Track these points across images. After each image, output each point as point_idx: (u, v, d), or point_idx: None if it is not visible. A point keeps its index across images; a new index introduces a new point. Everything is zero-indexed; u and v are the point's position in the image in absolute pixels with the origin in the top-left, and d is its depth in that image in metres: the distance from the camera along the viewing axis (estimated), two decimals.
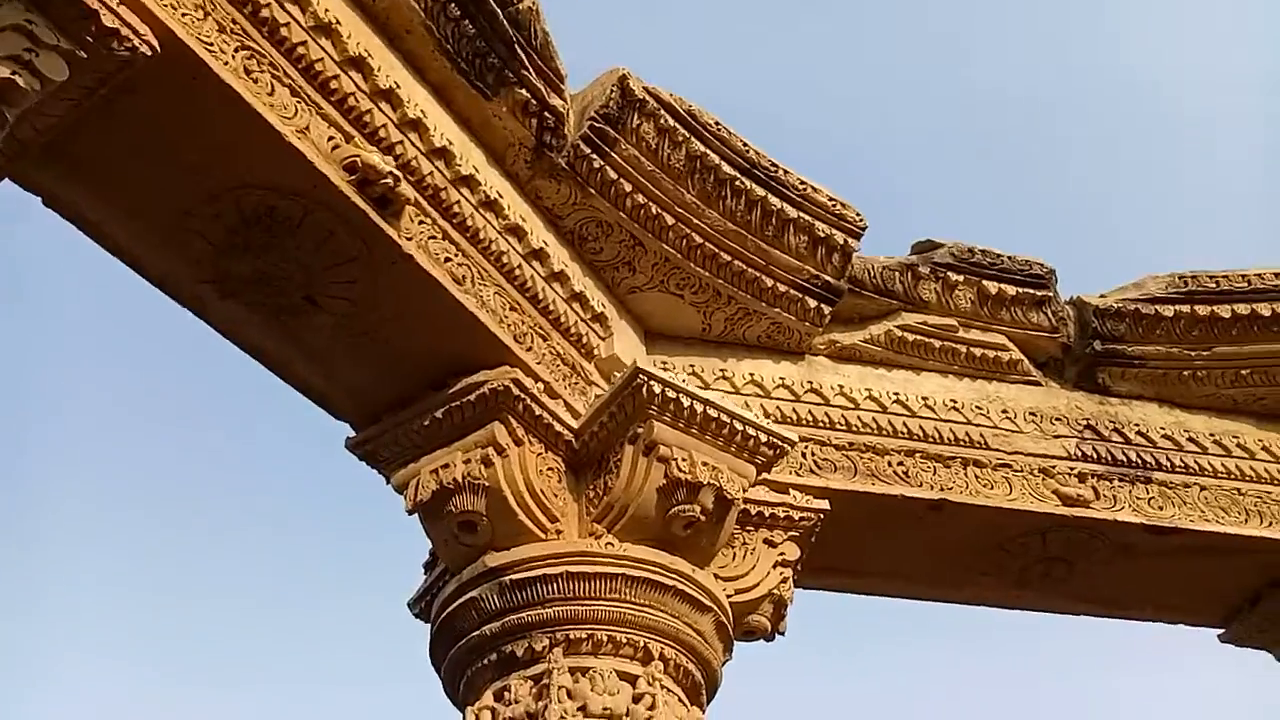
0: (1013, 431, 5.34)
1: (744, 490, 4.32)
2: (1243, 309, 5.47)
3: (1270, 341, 5.50)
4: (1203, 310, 5.48)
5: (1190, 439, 5.51)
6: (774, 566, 4.73)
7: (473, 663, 4.14)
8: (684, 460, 4.14)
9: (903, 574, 5.47)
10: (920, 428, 5.20)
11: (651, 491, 4.15)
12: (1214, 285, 5.53)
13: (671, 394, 4.15)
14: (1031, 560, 5.33)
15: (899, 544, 5.26)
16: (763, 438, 4.39)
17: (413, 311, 4.00)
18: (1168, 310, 5.49)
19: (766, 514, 4.73)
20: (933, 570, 5.44)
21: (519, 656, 4.00)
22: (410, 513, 4.22)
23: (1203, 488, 5.38)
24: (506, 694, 3.97)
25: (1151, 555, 5.32)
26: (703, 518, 4.19)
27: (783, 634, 4.91)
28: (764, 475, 4.70)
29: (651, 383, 4.13)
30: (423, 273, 3.84)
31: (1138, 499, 5.27)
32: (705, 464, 4.18)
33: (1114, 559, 5.33)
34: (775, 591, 4.70)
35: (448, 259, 3.97)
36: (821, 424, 5.09)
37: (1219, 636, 5.87)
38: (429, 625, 4.52)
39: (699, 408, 4.21)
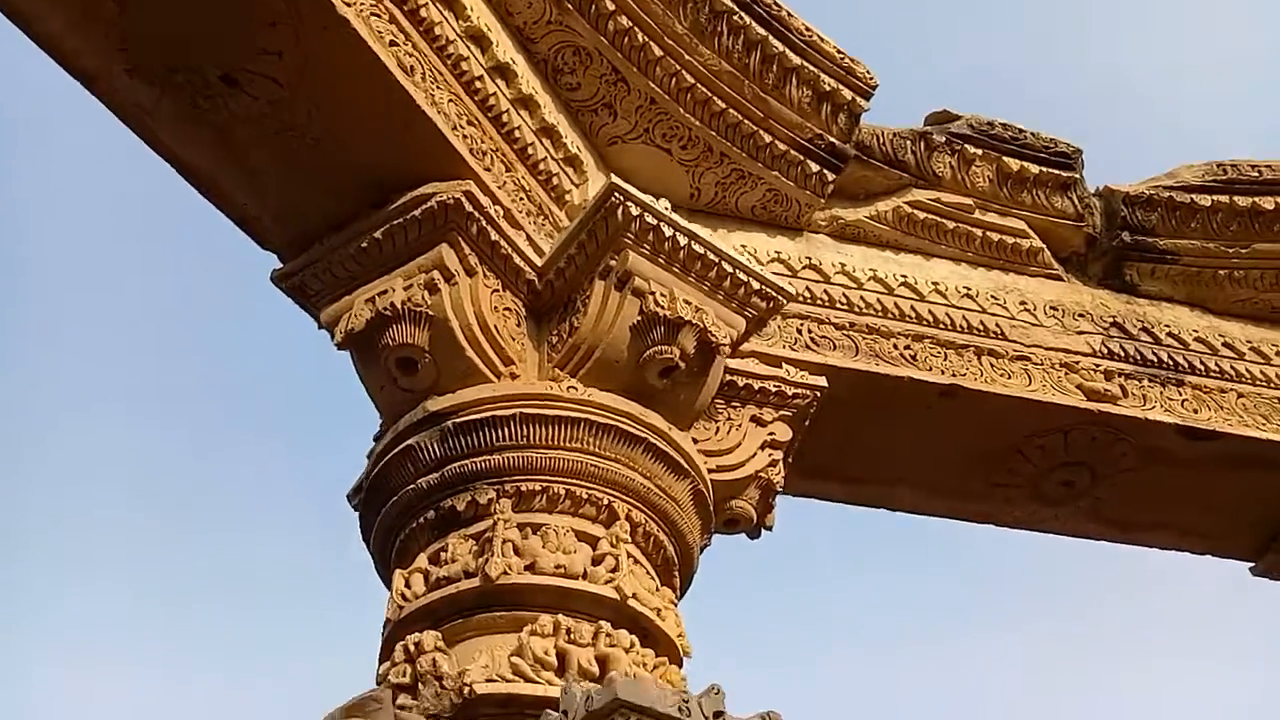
0: (1032, 324, 4.67)
1: (731, 340, 3.64)
2: None
3: None
4: (1243, 202, 4.84)
5: (1226, 344, 4.84)
6: (762, 447, 4.03)
7: (406, 524, 3.42)
8: (663, 295, 3.46)
9: (905, 480, 4.75)
10: (930, 313, 4.52)
11: (624, 329, 3.46)
12: (1256, 175, 4.89)
13: (651, 220, 3.49)
14: (1050, 467, 4.63)
15: (902, 442, 4.56)
16: (755, 285, 3.72)
17: (350, 101, 3.33)
18: (1204, 200, 4.84)
19: (756, 388, 4.04)
20: (939, 476, 4.74)
21: (459, 512, 3.29)
22: (340, 347, 3.52)
23: (1240, 394, 4.71)
24: (443, 554, 3.25)
25: (1183, 465, 4.63)
26: (682, 364, 3.50)
27: (769, 529, 4.22)
28: (754, 340, 4.03)
29: (629, 204, 3.46)
30: (363, 47, 3.18)
31: (1170, 400, 4.59)
32: (688, 303, 3.50)
33: (1142, 468, 4.63)
34: (763, 475, 4.00)
35: (394, 43, 3.30)
36: (820, 301, 4.41)
37: (1250, 569, 5.17)
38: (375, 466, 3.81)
39: (683, 240, 3.54)
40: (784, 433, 4.09)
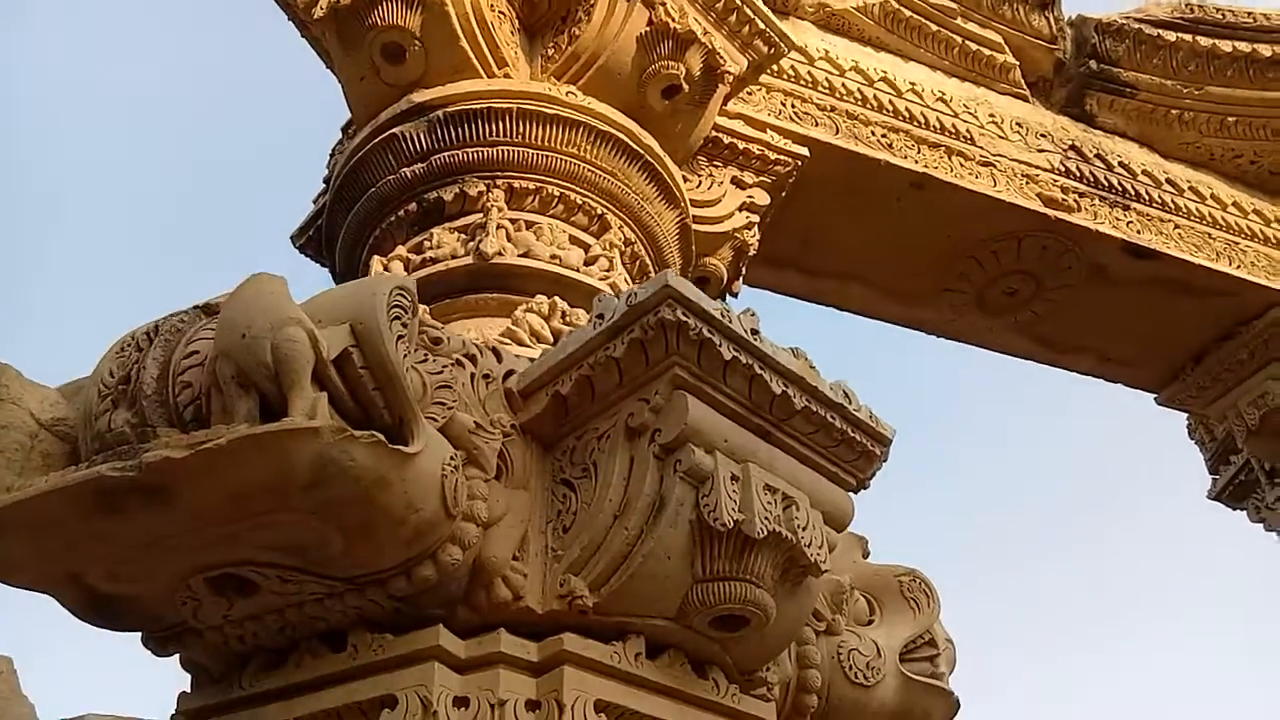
0: (998, 137, 4.62)
1: (739, 71, 3.41)
2: (1244, 47, 4.87)
3: (1263, 87, 4.94)
4: (1204, 42, 4.86)
5: (1169, 180, 4.92)
6: (740, 208, 3.86)
7: (382, 218, 3.12)
8: (674, 7, 3.18)
9: (863, 277, 4.69)
10: (907, 109, 4.41)
11: (629, 39, 3.19)
12: (1220, 17, 4.91)
13: None
14: (999, 274, 4.64)
15: (866, 236, 4.47)
16: (760, 25, 3.48)
17: None
18: (1169, 35, 4.83)
19: (740, 148, 3.86)
20: (893, 277, 4.69)
21: (446, 204, 3.02)
22: (319, 24, 3.12)
23: (1177, 225, 4.80)
24: (426, 244, 2.98)
25: (1121, 285, 4.72)
26: (685, 86, 3.26)
27: (735, 295, 4.08)
28: (740, 104, 3.83)
29: None
30: None
31: (1117, 220, 4.64)
32: (697, 21, 3.24)
33: (1083, 285, 4.70)
34: (738, 235, 3.84)
35: None
36: (804, 82, 4.23)
37: (1155, 399, 5.39)
38: (322, 209, 3.48)
39: None
40: (762, 198, 3.93)
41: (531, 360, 2.29)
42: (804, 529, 2.10)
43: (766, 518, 2.02)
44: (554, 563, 2.07)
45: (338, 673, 1.95)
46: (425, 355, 2.01)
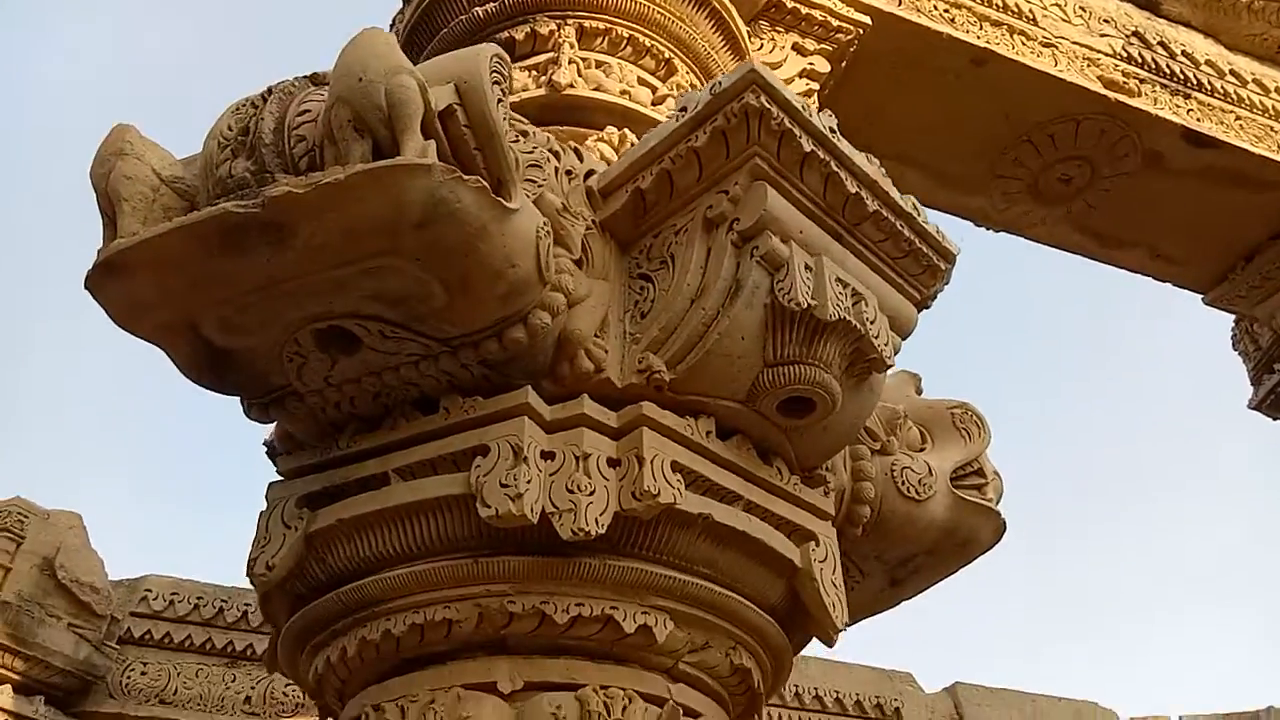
0: (1061, 19, 4.58)
1: None
2: None
3: None
4: None
5: (1232, 71, 4.85)
6: (800, 75, 3.90)
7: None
8: None
9: (917, 160, 4.70)
10: None
11: None
12: None
13: None
14: (1055, 160, 4.65)
15: (922, 114, 4.48)
16: None
17: None
18: None
19: (802, 13, 3.88)
20: (949, 159, 4.71)
21: (517, 43, 3.09)
22: None
23: (1238, 116, 4.76)
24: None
25: (1178, 175, 4.71)
26: None
27: None
28: None
29: None
30: None
31: (1177, 107, 4.61)
32: None
33: (1139, 173, 4.69)
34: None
35: None
36: None
37: (1203, 299, 5.39)
38: None
39: None
40: (822, 66, 3.96)
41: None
42: (871, 322, 2.20)
43: (838, 304, 2.12)
44: (632, 344, 2.19)
45: (431, 430, 2.09)
46: (516, 138, 2.11)
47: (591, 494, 1.97)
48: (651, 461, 2.01)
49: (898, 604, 3.11)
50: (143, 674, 5.44)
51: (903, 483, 2.67)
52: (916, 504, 2.67)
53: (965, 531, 2.75)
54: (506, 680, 2.01)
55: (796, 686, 6.70)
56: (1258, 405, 6.27)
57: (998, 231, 5.20)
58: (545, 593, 2.01)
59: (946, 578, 2.96)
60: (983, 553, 2.86)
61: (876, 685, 6.89)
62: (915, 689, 7.08)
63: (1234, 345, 6.55)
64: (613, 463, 2.05)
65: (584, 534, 1.92)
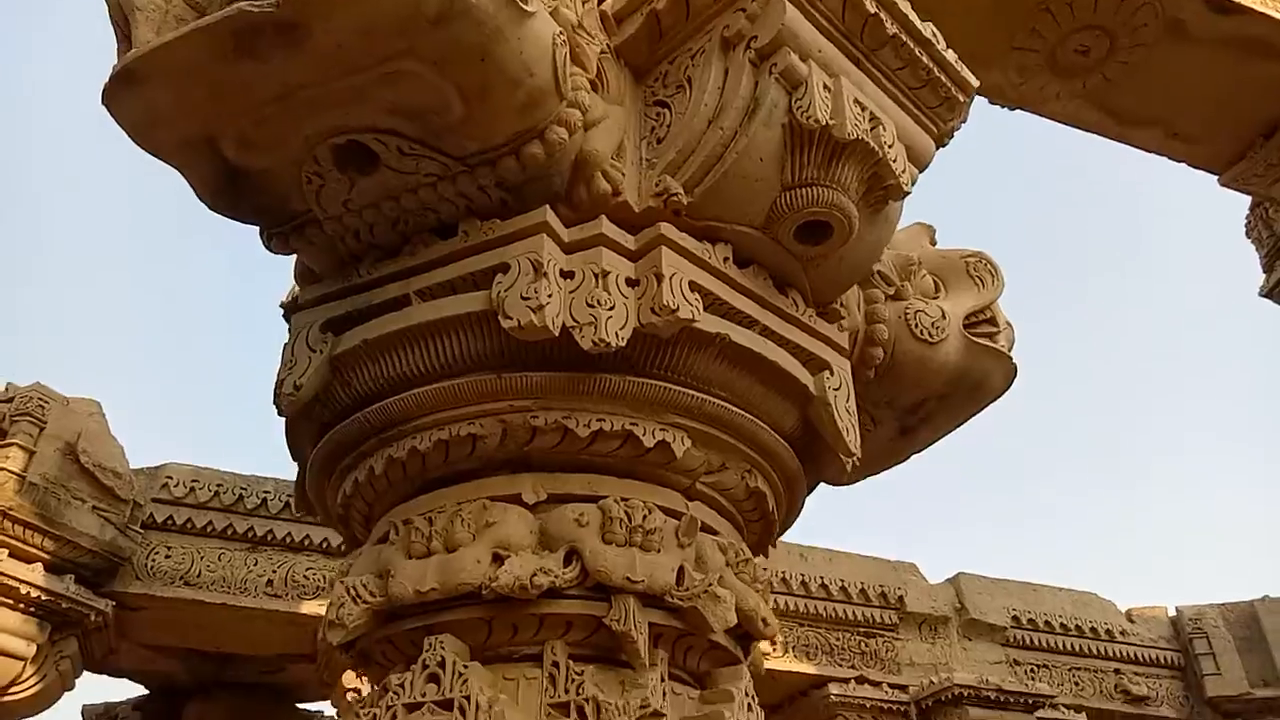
0: None
1: None
2: None
3: None
4: None
5: None
6: None
7: None
8: None
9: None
10: None
11: None
12: None
13: None
14: (1073, 29, 4.54)
15: None
16: None
17: None
18: None
19: None
20: (965, 32, 4.57)
21: None
22: None
23: None
24: None
25: (1198, 44, 4.59)
26: None
27: None
28: None
29: None
30: None
31: None
32: None
33: (1158, 44, 4.58)
34: None
35: None
36: None
37: (1220, 180, 5.33)
38: None
39: None
40: None
41: None
42: (889, 146, 2.18)
43: (856, 124, 2.10)
44: (649, 170, 2.18)
45: (451, 253, 2.10)
46: None
47: (611, 309, 1.99)
48: (670, 279, 2.03)
49: (908, 456, 3.17)
50: (167, 557, 5.59)
51: (916, 326, 2.69)
52: (929, 346, 2.70)
53: (977, 375, 2.78)
54: (530, 492, 2.06)
55: (803, 575, 6.86)
56: (1269, 293, 6.26)
57: (1013, 109, 5.12)
58: (567, 408, 2.05)
59: (957, 426, 3.00)
60: (994, 399, 2.89)
61: (881, 575, 7.04)
62: (919, 579, 7.24)
63: (1247, 234, 6.52)
64: (631, 282, 2.07)
65: (604, 345, 1.95)
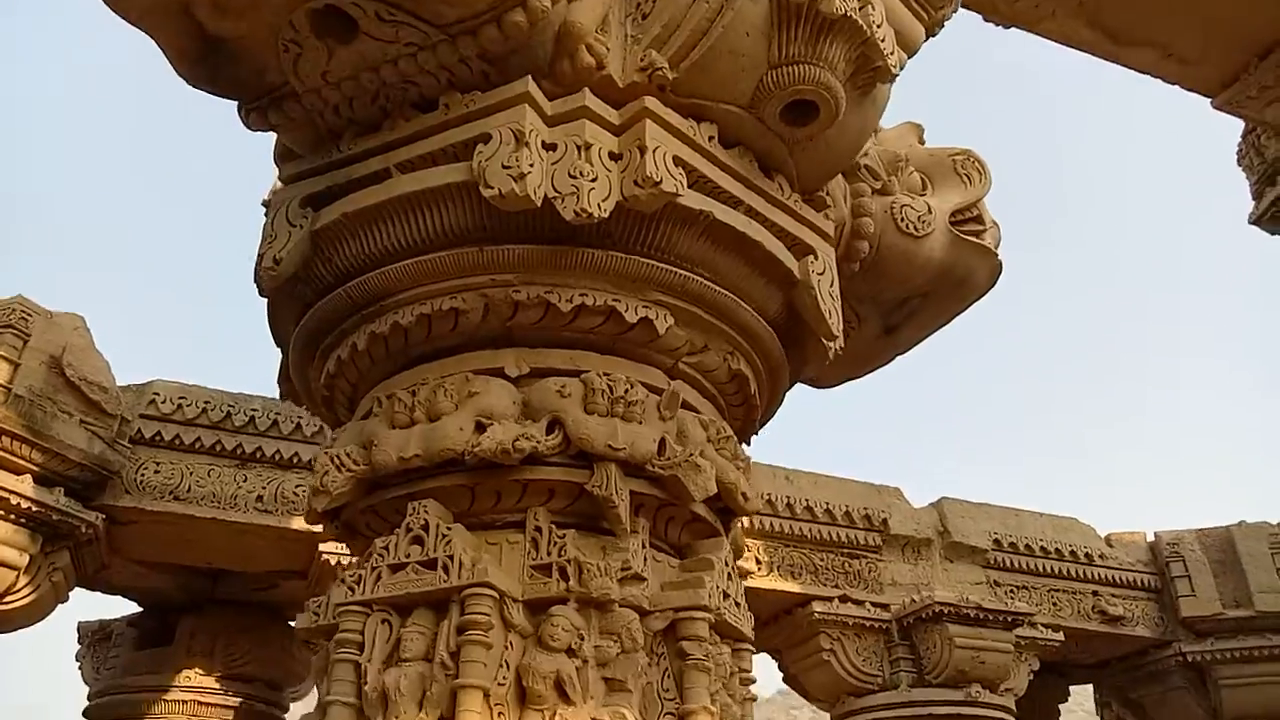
0: None
1: None
2: None
3: None
4: None
5: None
6: None
7: None
8: None
9: None
10: None
11: None
12: None
13: None
14: None
15: None
16: None
17: None
18: None
19: None
20: None
21: None
22: None
23: None
24: None
25: None
26: None
27: None
28: None
29: None
30: None
31: None
32: None
33: None
34: None
35: None
36: None
37: (1213, 103, 5.29)
38: None
39: None
40: None
41: None
42: (878, 26, 2.16)
43: (844, 0, 2.07)
44: (633, 45, 2.15)
45: (431, 126, 2.08)
46: None
47: (594, 180, 1.98)
48: (654, 152, 2.01)
49: (891, 358, 3.19)
50: (156, 472, 5.62)
51: (902, 220, 2.69)
52: (914, 240, 2.70)
53: (962, 271, 2.79)
54: (513, 366, 2.08)
55: (788, 498, 6.95)
56: (1258, 220, 6.26)
57: (1007, 26, 5.05)
58: (550, 283, 2.05)
59: (942, 326, 3.02)
60: (978, 297, 2.91)
61: (865, 498, 7.14)
62: (903, 503, 7.35)
63: (1239, 161, 6.49)
64: (614, 156, 2.05)
65: (586, 215, 1.94)
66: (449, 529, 1.89)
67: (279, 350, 2.52)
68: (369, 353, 2.17)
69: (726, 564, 2.09)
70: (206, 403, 5.73)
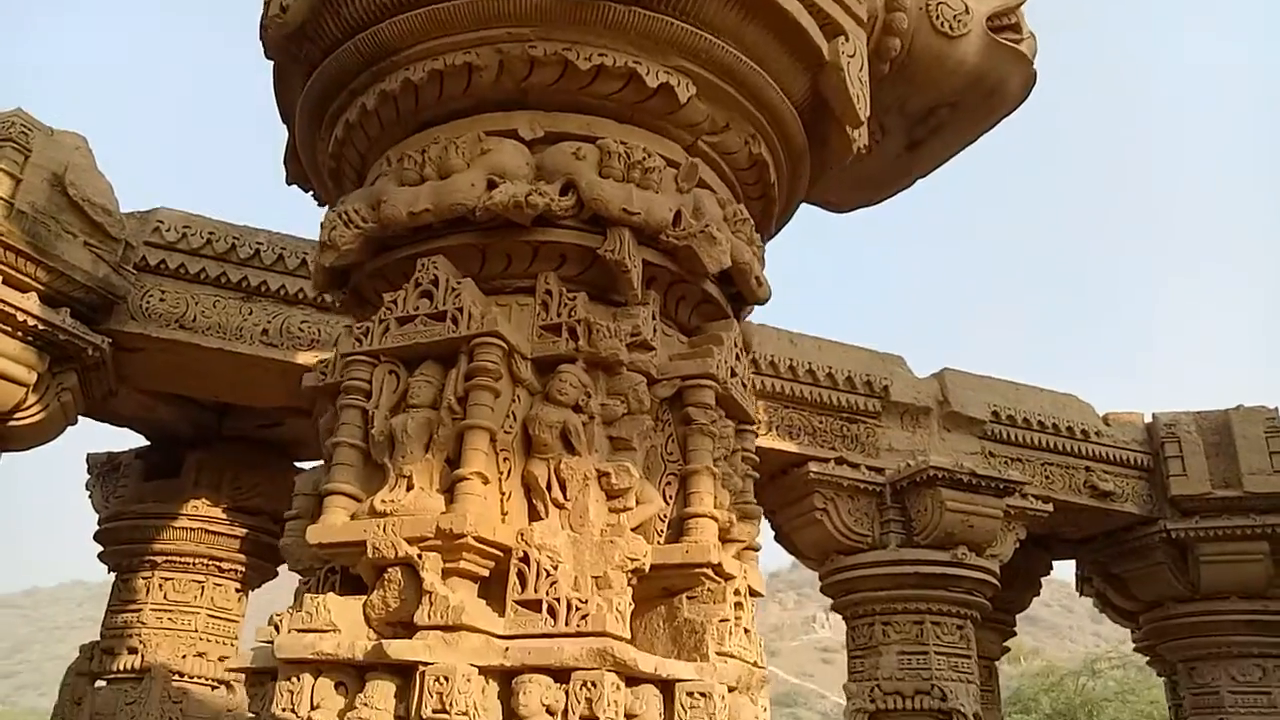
0: None
1: None
2: None
3: None
4: None
5: None
6: None
7: None
8: None
9: None
10: None
11: None
12: None
13: None
14: None
15: None
16: None
17: None
18: None
19: None
20: None
21: None
22: None
23: None
24: None
25: None
26: None
27: None
28: None
29: None
30: None
31: None
32: None
33: None
34: None
35: None
36: None
37: None
38: None
39: None
40: None
41: None
42: None
43: None
44: None
45: None
46: None
47: None
48: None
49: (913, 180, 3.10)
50: (161, 300, 5.60)
51: (937, 17, 2.56)
52: (949, 41, 2.58)
53: (994, 78, 2.68)
54: (527, 128, 2.01)
55: (792, 360, 6.95)
56: None
57: None
58: (569, 40, 1.96)
59: (967, 144, 2.92)
60: (1008, 111, 2.80)
61: (868, 364, 7.15)
62: (905, 371, 7.36)
63: None
64: None
65: None
66: (458, 283, 1.86)
67: (284, 127, 2.44)
68: (378, 115, 2.09)
69: (735, 345, 2.07)
70: (211, 233, 5.67)
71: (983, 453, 7.11)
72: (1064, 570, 8.94)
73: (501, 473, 1.73)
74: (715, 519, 1.81)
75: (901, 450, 6.91)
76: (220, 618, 6.63)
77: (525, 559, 1.66)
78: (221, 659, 6.46)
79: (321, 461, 1.94)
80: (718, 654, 1.70)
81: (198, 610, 6.52)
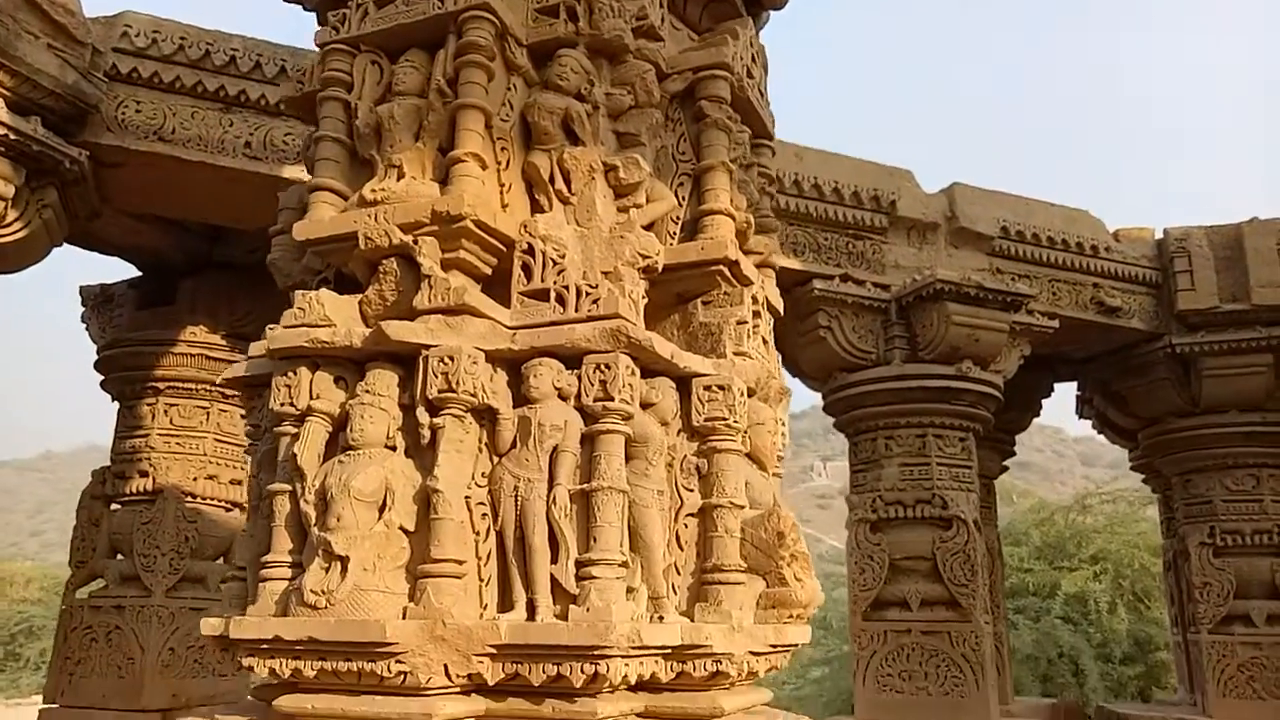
0: None
1: None
2: None
3: None
4: None
5: None
6: None
7: None
8: None
9: None
10: None
11: None
12: None
13: None
14: None
15: None
16: None
17: None
18: None
19: None
20: None
21: None
22: None
23: None
24: None
25: None
26: None
27: None
28: None
29: None
30: None
31: None
32: None
33: None
34: None
35: None
36: None
37: None
38: None
39: None
40: None
41: None
42: None
43: None
44: None
45: None
46: None
47: None
48: None
49: None
50: (137, 111, 5.34)
51: None
52: None
53: None
54: None
55: (797, 175, 6.72)
56: None
57: None
58: None
59: None
60: None
61: (875, 179, 6.92)
62: (913, 185, 7.15)
63: None
64: None
65: None
66: None
67: None
68: None
69: (751, 45, 1.89)
70: (183, 38, 5.34)
71: (990, 269, 6.98)
72: (1055, 414, 9.03)
73: (500, 162, 1.59)
74: (732, 216, 1.68)
75: (907, 267, 6.78)
76: (228, 442, 6.66)
77: (530, 250, 1.54)
78: (234, 482, 6.54)
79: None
80: (735, 354, 1.61)
81: (204, 435, 6.54)
